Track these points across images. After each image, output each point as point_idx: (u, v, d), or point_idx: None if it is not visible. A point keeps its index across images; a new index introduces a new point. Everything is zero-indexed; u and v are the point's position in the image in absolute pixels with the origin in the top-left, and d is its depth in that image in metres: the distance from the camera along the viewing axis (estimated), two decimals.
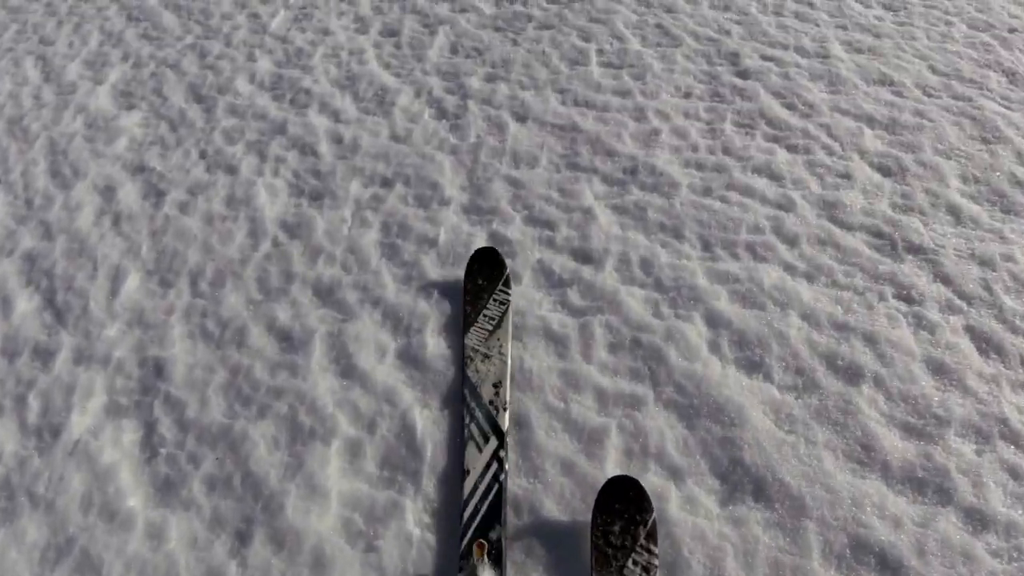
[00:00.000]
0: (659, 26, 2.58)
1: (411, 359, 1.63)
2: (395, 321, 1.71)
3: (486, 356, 1.57)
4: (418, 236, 1.90)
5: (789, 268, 1.73)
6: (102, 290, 1.91)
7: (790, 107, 2.19)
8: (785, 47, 2.44)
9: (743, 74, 2.33)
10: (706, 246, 1.80)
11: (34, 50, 3.00)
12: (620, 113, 2.22)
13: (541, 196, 1.98)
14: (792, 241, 1.79)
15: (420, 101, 2.38)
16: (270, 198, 2.09)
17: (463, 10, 2.80)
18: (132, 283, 1.92)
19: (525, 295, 1.73)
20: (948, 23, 2.53)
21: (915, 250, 1.76)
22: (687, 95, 2.27)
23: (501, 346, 1.58)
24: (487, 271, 1.73)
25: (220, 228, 2.02)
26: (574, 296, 1.71)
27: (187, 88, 2.60)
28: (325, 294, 1.81)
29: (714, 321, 1.62)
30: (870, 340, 1.57)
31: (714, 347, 1.58)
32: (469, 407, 1.49)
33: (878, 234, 1.80)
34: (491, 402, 1.49)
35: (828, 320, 1.61)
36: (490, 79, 2.43)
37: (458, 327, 1.67)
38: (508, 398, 1.49)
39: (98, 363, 1.75)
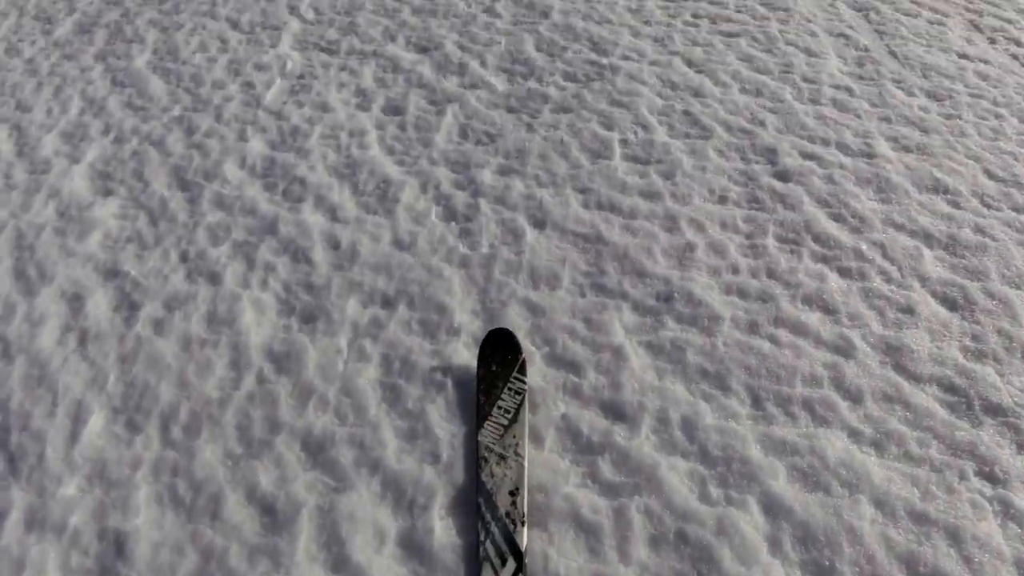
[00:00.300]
0: (687, 113, 2.34)
1: (415, 548, 1.36)
2: (397, 494, 1.44)
3: (501, 457, 1.43)
4: (423, 376, 1.64)
5: (855, 435, 1.47)
6: (62, 432, 1.64)
7: (838, 219, 1.95)
8: (826, 143, 2.20)
9: (783, 175, 2.09)
10: (757, 401, 1.54)
11: (9, 117, 2.73)
12: (650, 221, 1.97)
13: (564, 327, 1.72)
14: (855, 397, 1.54)
15: (426, 197, 2.12)
16: (256, 317, 1.83)
17: (473, 86, 2.56)
18: (95, 424, 1.65)
19: (548, 464, 1.47)
20: (998, 116, 2.31)
21: (993, 411, 1.51)
22: (722, 199, 2.03)
23: (518, 445, 1.45)
24: (500, 356, 1.59)
25: (198, 356, 1.75)
26: (606, 468, 1.45)
27: (171, 171, 2.34)
28: (315, 450, 1.54)
29: (773, 508, 1.36)
30: (954, 537, 1.31)
31: (775, 545, 1.32)
32: (484, 521, 1.34)
33: (951, 388, 1.55)
34: (508, 514, 1.34)
35: (905, 508, 1.36)
36: (504, 172, 2.18)
37: (469, 506, 1.41)
38: (527, 509, 1.34)
39: (52, 531, 1.48)
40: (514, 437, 1.47)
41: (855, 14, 2.89)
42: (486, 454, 1.45)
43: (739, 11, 2.90)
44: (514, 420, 1.50)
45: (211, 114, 2.58)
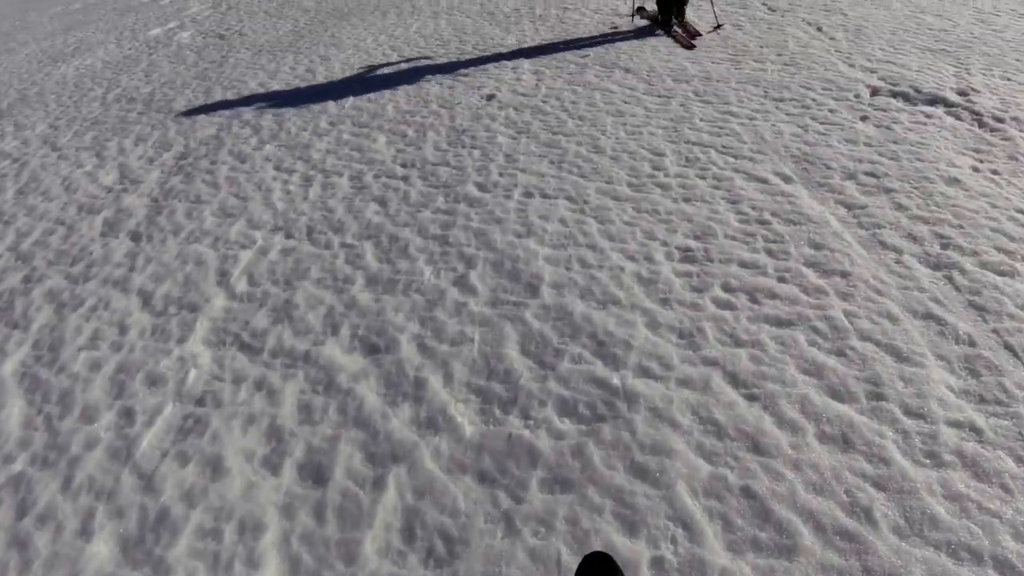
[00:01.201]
0: (747, 492, 1.46)
1: None
2: None
3: None
4: None
5: None
6: None
7: None
8: (978, 558, 1.30)
9: None
10: None
11: None
12: None
13: None
14: None
15: None
16: None
17: (431, 426, 1.72)
18: None
19: None
20: None
21: None
22: None
23: None
24: None
25: None
26: None
27: None
28: None
29: None
30: None
31: None
32: None
33: None
34: None
35: None
36: None
37: None
38: None
39: None
40: None
41: (933, 275, 2.12)
42: None
43: (782, 279, 2.13)
44: None
45: (60, 475, 1.73)
